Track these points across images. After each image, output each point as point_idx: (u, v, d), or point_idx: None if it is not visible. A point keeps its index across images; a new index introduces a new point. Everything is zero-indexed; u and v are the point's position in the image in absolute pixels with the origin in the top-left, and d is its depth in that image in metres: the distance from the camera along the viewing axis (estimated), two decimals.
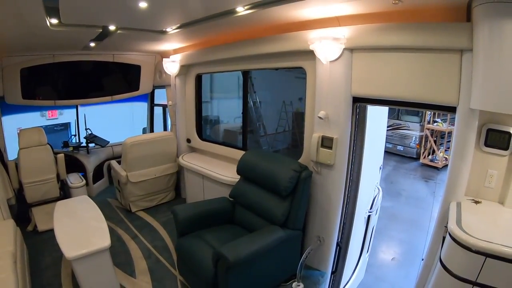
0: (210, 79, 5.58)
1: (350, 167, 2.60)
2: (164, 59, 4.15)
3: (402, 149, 8.50)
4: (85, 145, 4.81)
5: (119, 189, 4.19)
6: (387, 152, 8.82)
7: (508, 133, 1.82)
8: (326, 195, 2.59)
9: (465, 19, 1.80)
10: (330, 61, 2.35)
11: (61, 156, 3.94)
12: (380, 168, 3.35)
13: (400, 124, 8.53)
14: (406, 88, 2.08)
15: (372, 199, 3.17)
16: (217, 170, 3.47)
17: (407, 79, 2.06)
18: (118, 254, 3.18)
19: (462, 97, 1.82)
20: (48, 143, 3.88)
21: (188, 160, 3.95)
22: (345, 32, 2.25)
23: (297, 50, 2.59)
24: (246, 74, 3.53)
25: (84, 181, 4.02)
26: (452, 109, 1.92)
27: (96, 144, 4.79)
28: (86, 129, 4.95)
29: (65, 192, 4.07)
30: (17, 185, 3.70)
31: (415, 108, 2.31)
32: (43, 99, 4.20)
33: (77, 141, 4.99)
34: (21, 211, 3.75)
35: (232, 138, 4.82)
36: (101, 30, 2.91)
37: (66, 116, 5.47)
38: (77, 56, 4.14)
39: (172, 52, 4.28)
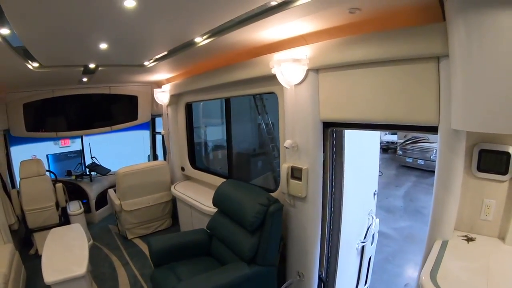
0: (216, 103, 5.55)
1: (330, 197, 2.39)
2: (155, 89, 4.23)
3: (423, 163, 7.96)
4: (88, 173, 4.98)
5: (117, 216, 4.25)
6: (407, 167, 8.32)
7: (507, 153, 1.49)
8: (301, 229, 2.40)
9: (442, 19, 1.45)
10: (295, 85, 2.17)
11: (59, 185, 4.09)
12: (375, 194, 3.10)
13: (420, 137, 8.03)
14: (378, 108, 1.79)
15: (366, 229, 2.93)
16: (202, 199, 3.37)
17: (379, 97, 1.78)
18: (106, 281, 3.21)
19: (443, 115, 1.51)
20: (48, 170, 4.05)
21: (179, 189, 3.92)
22: (307, 52, 2.04)
23: (266, 75, 2.39)
24: (228, 101, 3.45)
25: (82, 209, 4.13)
26: (434, 129, 1.59)
27: (97, 172, 4.95)
28: (91, 157, 5.15)
29: (66, 219, 4.20)
30: (19, 211, 3.89)
31: (394, 129, 2.04)
32: (46, 131, 4.44)
33: (83, 169, 5.19)
34: (25, 236, 3.95)
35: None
36: (82, 69, 3.03)
37: (78, 144, 5.77)
38: (75, 90, 4.34)
39: (165, 82, 4.34)
